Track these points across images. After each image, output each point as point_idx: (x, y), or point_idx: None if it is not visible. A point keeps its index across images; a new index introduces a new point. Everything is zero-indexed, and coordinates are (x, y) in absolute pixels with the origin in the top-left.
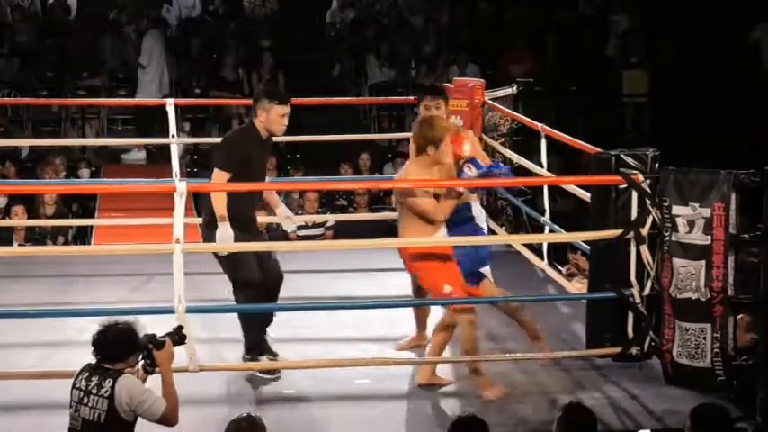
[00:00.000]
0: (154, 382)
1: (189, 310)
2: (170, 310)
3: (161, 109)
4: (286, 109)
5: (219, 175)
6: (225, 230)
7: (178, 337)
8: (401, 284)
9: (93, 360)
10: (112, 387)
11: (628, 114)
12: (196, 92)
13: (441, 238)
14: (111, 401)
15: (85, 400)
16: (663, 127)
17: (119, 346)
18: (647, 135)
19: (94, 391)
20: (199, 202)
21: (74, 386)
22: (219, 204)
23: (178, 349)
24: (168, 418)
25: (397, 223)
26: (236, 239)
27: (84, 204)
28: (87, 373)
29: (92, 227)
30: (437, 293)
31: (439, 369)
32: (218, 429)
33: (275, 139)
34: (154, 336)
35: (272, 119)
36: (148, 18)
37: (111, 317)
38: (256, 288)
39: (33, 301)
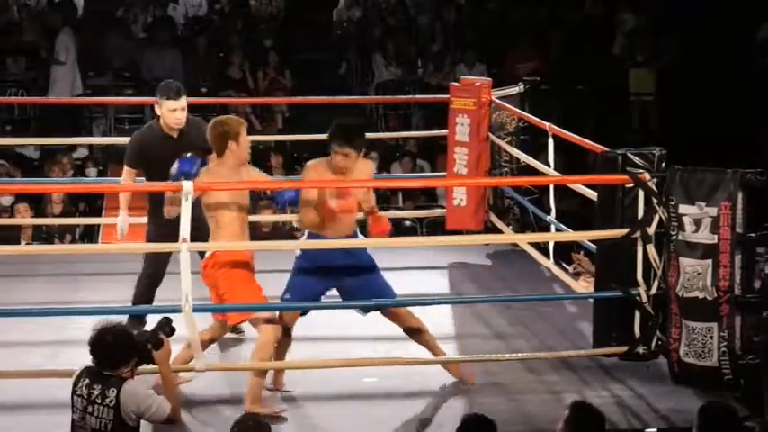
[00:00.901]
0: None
1: (195, 309)
2: (177, 309)
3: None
4: (176, 104)
5: (124, 170)
6: (122, 219)
7: (169, 329)
8: (407, 283)
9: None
10: (117, 397)
11: (634, 113)
12: (202, 90)
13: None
14: (116, 410)
15: (90, 409)
16: (669, 126)
17: (119, 350)
18: (654, 134)
19: (99, 401)
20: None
21: (74, 392)
22: (120, 198)
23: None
24: (172, 417)
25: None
26: (151, 230)
27: (92, 203)
28: (87, 380)
29: (99, 226)
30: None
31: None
32: (224, 429)
33: (286, 138)
34: (151, 334)
35: (164, 114)
36: (154, 16)
37: (103, 319)
38: (154, 278)
39: (40, 300)
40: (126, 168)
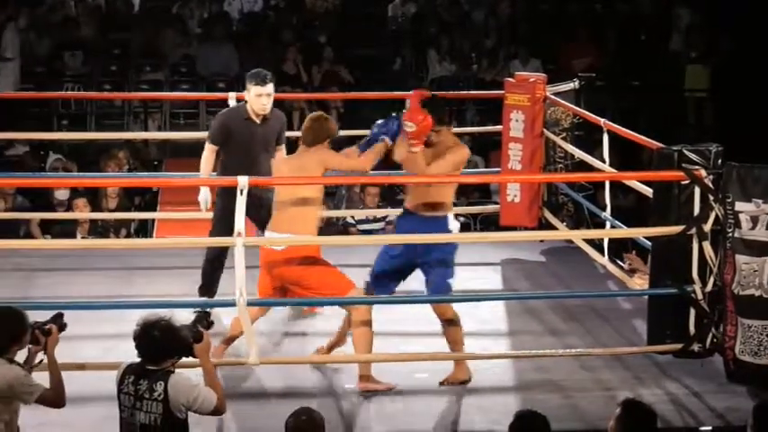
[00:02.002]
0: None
1: (250, 304)
2: (231, 303)
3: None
4: (262, 89)
5: (206, 147)
6: (204, 191)
7: (206, 322)
8: (461, 279)
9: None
10: (165, 390)
11: (690, 110)
12: None
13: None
14: (165, 404)
15: (139, 405)
16: (725, 122)
17: (166, 345)
18: (709, 130)
19: (147, 396)
20: None
21: (120, 391)
22: (201, 167)
23: (239, 342)
24: (219, 409)
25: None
26: (219, 202)
27: (147, 198)
28: (132, 377)
29: (154, 220)
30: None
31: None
32: (278, 423)
33: (344, 132)
34: (192, 328)
35: (251, 99)
36: (210, 12)
37: (149, 314)
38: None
39: (97, 294)
40: (207, 145)
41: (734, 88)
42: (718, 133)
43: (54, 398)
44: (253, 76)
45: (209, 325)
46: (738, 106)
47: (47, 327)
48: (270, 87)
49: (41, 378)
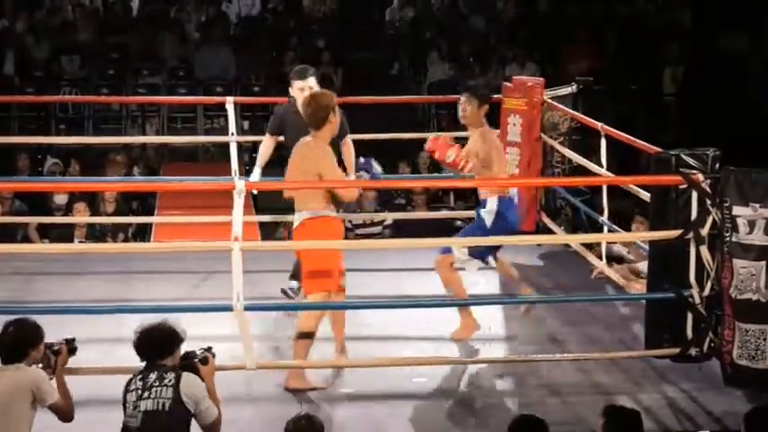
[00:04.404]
0: None
1: (247, 308)
2: (228, 308)
3: None
4: (301, 83)
5: (265, 137)
6: (257, 173)
7: (212, 353)
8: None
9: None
10: (177, 377)
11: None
12: (255, 90)
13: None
14: (176, 389)
15: (146, 395)
16: (720, 126)
17: (166, 339)
18: (703, 134)
19: (156, 384)
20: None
21: (127, 390)
22: (258, 155)
23: (236, 347)
24: (217, 425)
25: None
26: None
27: (144, 202)
28: (140, 375)
29: (151, 224)
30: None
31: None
32: (277, 428)
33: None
34: (199, 353)
35: (294, 92)
36: (208, 15)
37: (144, 322)
38: None
39: (94, 298)
40: (266, 135)
41: (736, 92)
42: (713, 137)
43: (65, 408)
44: (295, 72)
45: (213, 355)
46: (737, 111)
47: (57, 347)
48: (311, 81)
49: None
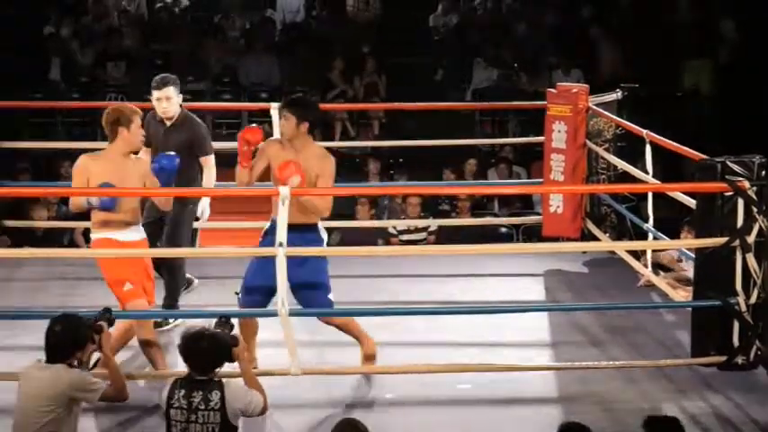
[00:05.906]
0: None
1: (292, 314)
2: (273, 313)
3: None
4: (158, 93)
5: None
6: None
7: (229, 326)
8: (503, 289)
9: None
10: (222, 399)
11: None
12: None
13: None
14: (223, 412)
15: (193, 418)
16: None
17: (216, 354)
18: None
19: (202, 407)
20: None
21: (170, 406)
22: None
23: (281, 352)
24: (265, 408)
25: None
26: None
27: None
28: (183, 390)
29: (197, 229)
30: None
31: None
32: None
33: (382, 143)
34: (228, 334)
35: (153, 102)
36: (252, 22)
37: (187, 328)
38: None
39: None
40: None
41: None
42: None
43: (115, 393)
44: (153, 81)
45: (232, 327)
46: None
47: (98, 324)
48: (168, 91)
49: None
